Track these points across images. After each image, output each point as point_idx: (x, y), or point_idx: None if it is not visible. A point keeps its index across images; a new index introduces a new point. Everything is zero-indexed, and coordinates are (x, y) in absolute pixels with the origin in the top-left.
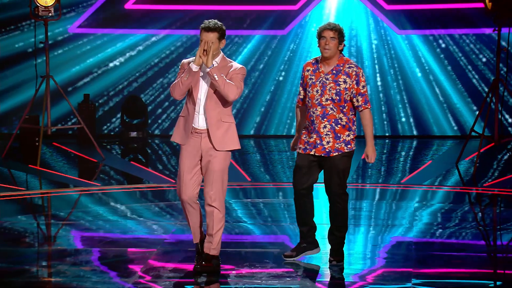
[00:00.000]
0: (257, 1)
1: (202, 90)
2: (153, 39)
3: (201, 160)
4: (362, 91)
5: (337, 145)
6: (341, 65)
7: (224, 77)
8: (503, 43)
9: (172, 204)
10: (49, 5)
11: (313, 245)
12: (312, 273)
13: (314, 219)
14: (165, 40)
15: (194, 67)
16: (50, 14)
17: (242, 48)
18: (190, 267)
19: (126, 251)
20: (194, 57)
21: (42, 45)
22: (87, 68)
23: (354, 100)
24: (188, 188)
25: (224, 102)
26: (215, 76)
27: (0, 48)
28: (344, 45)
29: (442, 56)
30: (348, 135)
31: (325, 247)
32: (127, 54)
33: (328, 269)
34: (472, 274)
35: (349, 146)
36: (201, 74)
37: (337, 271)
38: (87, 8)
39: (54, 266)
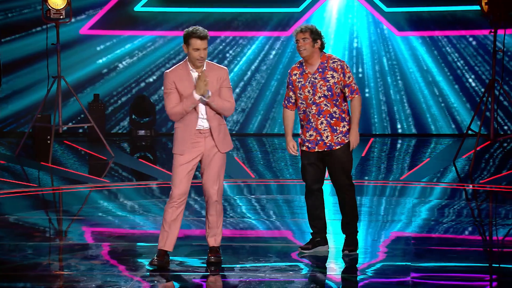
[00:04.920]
0: (260, 4)
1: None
2: (161, 41)
3: (201, 160)
4: (348, 82)
5: (336, 138)
6: (325, 62)
7: (220, 99)
8: (499, 45)
9: None
10: (60, 8)
11: (324, 241)
12: (314, 266)
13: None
14: (172, 42)
15: (198, 97)
16: (61, 17)
17: (247, 49)
18: (195, 260)
19: (134, 246)
20: (174, 68)
21: (53, 46)
22: (97, 69)
23: (343, 91)
24: (183, 184)
25: None
26: (213, 105)
27: (14, 50)
28: (324, 42)
29: (439, 57)
30: (344, 126)
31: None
32: (136, 55)
33: (331, 263)
34: (469, 268)
35: (348, 136)
36: (194, 81)
37: (341, 263)
38: (97, 11)
39: (65, 260)
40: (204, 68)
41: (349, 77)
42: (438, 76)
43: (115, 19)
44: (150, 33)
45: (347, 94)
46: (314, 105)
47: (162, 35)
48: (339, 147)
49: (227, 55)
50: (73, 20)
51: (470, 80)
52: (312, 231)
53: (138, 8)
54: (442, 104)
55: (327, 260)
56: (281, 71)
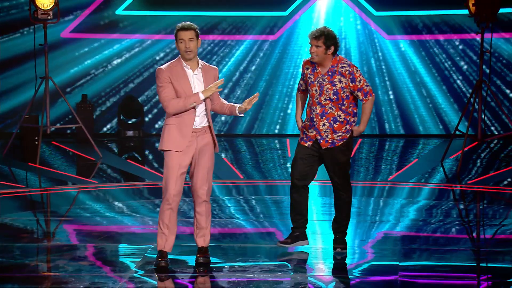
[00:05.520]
0: (249, 7)
1: None
2: (148, 42)
3: (192, 158)
4: (359, 86)
5: (337, 136)
6: (335, 65)
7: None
8: (486, 46)
9: None
10: (48, 8)
11: (304, 236)
12: (303, 267)
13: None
14: (160, 43)
15: (203, 97)
16: (49, 17)
17: (235, 51)
18: (184, 261)
19: (122, 247)
20: (167, 64)
21: (41, 46)
22: (85, 70)
23: (355, 95)
24: (178, 184)
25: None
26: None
27: (1, 50)
28: (338, 46)
29: (427, 58)
30: (345, 129)
31: (316, 243)
32: (124, 56)
33: (319, 264)
34: (456, 267)
35: (348, 135)
36: (192, 79)
37: (330, 264)
38: (84, 11)
39: (53, 261)
40: (200, 66)
41: (359, 81)
42: (426, 77)
43: (96, 22)
44: (134, 36)
45: (360, 98)
46: (319, 105)
47: (146, 39)
48: (341, 143)
49: (215, 56)
50: (61, 20)
51: (458, 81)
52: (292, 226)
53: (119, 11)
54: (430, 105)
55: (316, 261)
56: (269, 72)
